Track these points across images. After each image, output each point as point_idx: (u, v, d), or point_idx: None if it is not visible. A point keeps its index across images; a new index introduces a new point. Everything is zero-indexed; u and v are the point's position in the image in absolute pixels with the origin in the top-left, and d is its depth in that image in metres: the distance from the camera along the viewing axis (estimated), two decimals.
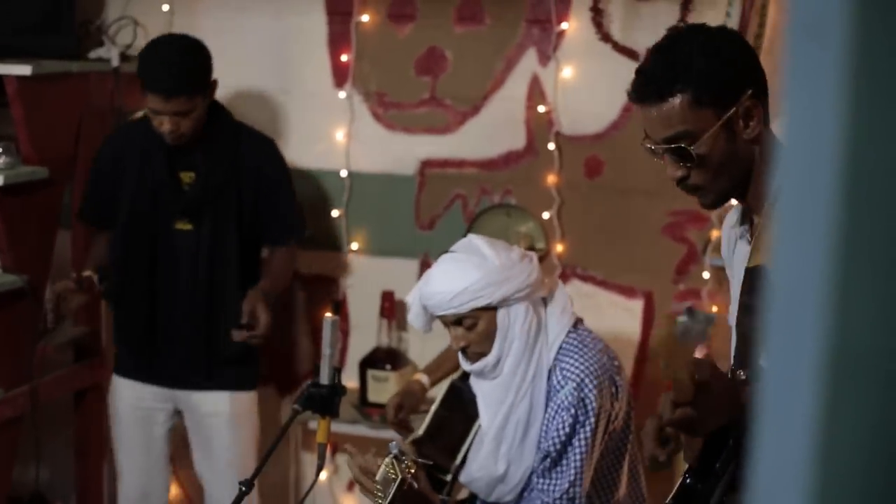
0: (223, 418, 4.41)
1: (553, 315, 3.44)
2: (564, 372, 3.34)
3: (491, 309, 3.34)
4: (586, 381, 3.33)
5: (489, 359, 3.37)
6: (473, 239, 3.44)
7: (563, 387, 3.34)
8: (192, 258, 4.28)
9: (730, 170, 2.57)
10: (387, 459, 3.21)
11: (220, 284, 4.29)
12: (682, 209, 4.43)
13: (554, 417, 3.34)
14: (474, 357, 3.41)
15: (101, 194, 4.45)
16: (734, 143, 2.55)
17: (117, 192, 4.37)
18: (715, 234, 4.37)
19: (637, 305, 4.56)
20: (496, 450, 3.42)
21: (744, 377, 2.61)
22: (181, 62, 4.11)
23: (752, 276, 2.62)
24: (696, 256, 4.45)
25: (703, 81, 2.53)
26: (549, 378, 3.38)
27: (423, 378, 3.90)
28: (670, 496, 2.60)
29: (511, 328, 3.35)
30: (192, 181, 4.28)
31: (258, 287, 4.23)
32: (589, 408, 3.31)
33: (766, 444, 0.87)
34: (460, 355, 3.48)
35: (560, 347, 3.40)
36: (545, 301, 3.45)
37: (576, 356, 3.37)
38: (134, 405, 4.49)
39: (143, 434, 4.52)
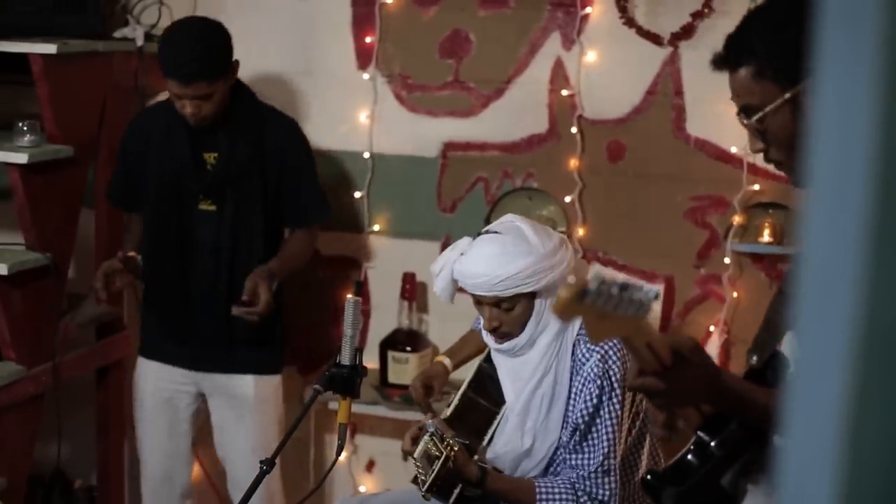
0: (247, 402, 4.42)
1: None
2: (588, 345, 3.34)
3: (531, 295, 3.35)
4: (610, 352, 3.34)
5: (519, 341, 3.38)
6: (516, 221, 3.42)
7: (587, 359, 3.34)
8: (215, 239, 4.29)
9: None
10: (426, 437, 3.23)
11: (242, 266, 4.27)
12: (704, 194, 4.43)
13: (581, 390, 3.34)
14: (503, 337, 3.41)
15: (128, 177, 4.46)
16: (804, 120, 2.47)
17: (144, 174, 4.38)
18: (737, 219, 4.36)
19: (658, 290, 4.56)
20: (522, 424, 3.42)
21: (754, 362, 2.61)
22: (199, 47, 4.09)
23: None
24: (718, 241, 4.44)
25: (768, 54, 2.49)
26: (573, 352, 3.38)
27: (446, 360, 3.90)
28: (668, 464, 2.63)
29: (545, 314, 3.36)
30: (216, 162, 4.28)
31: (266, 266, 4.23)
32: (614, 378, 3.31)
33: (797, 421, 0.87)
34: (487, 334, 3.47)
35: (581, 323, 3.38)
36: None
37: None
38: (158, 387, 4.51)
39: (166, 417, 4.53)
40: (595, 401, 3.31)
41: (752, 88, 2.52)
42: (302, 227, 4.47)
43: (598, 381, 3.31)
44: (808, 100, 2.48)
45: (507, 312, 3.36)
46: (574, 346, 3.39)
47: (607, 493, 3.34)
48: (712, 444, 2.56)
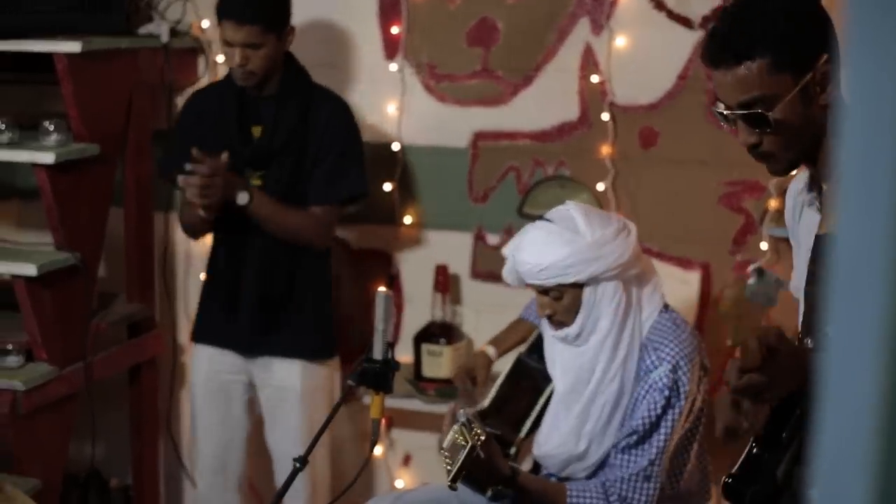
0: (294, 391, 4.39)
1: (646, 294, 3.40)
2: (659, 353, 3.30)
3: (578, 285, 3.30)
4: (681, 363, 3.29)
5: (570, 331, 3.35)
6: (571, 208, 3.39)
7: (656, 367, 3.30)
8: None
9: (803, 136, 2.53)
10: (455, 427, 3.19)
11: (286, 244, 4.26)
12: (739, 179, 4.37)
13: (645, 396, 3.30)
14: (558, 325, 3.38)
15: (182, 151, 4.40)
16: (810, 108, 2.50)
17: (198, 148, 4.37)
18: (773, 203, 4.31)
19: (694, 277, 4.51)
20: (579, 427, 3.39)
21: (811, 345, 2.59)
22: None
23: (821, 245, 2.59)
24: (754, 227, 4.39)
25: (783, 45, 2.48)
26: (640, 357, 3.34)
27: (490, 349, 3.89)
28: (737, 465, 2.58)
29: (597, 305, 3.31)
30: (260, 134, 4.29)
31: (248, 183, 4.21)
32: (682, 391, 3.27)
33: (831, 414, 0.84)
34: (544, 320, 3.44)
35: (651, 327, 3.36)
36: (638, 278, 3.39)
37: (671, 337, 3.33)
38: (210, 376, 4.50)
39: (219, 406, 4.51)
40: (659, 411, 3.28)
41: (763, 81, 2.50)
42: (316, 204, 4.32)
43: (666, 392, 3.27)
44: (814, 88, 2.50)
45: (557, 301, 3.34)
46: (642, 350, 3.34)
47: (643, 498, 3.29)
48: (783, 434, 2.53)
